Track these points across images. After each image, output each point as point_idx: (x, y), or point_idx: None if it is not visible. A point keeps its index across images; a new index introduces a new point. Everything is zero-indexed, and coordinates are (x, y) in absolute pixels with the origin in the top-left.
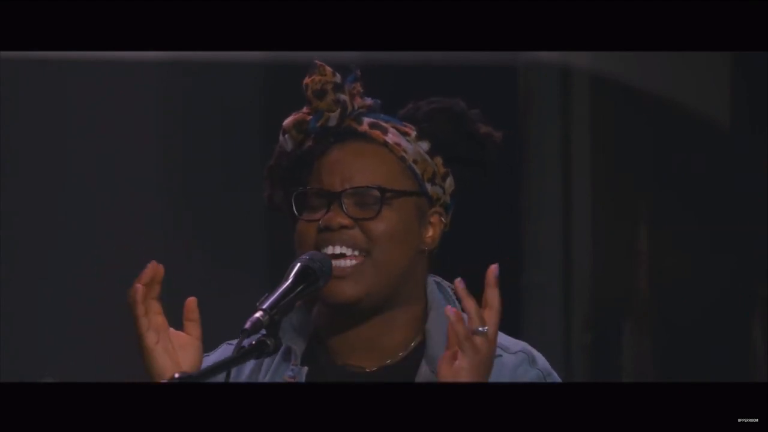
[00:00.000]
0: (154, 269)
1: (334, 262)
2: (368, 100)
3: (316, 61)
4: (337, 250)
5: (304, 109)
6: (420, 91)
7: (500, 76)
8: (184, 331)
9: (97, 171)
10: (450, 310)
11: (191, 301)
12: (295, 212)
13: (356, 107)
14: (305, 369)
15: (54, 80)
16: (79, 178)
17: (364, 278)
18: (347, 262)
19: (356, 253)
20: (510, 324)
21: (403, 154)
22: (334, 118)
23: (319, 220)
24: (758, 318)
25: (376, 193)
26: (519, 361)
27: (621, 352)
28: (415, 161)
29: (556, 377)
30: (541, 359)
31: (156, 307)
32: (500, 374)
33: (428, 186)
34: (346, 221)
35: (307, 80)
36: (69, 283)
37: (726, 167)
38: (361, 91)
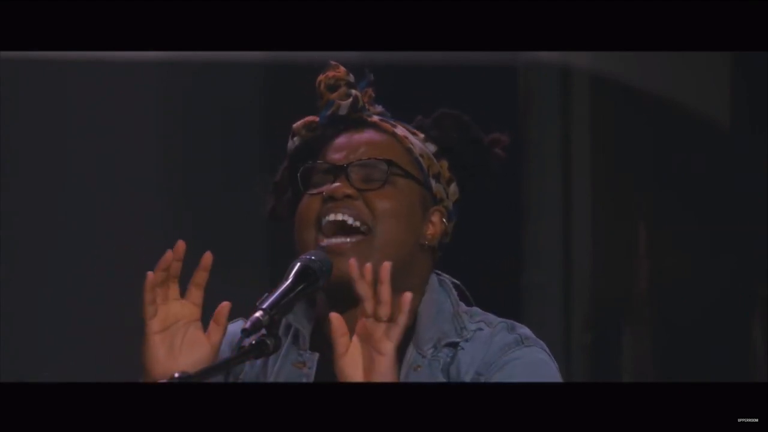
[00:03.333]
0: (168, 259)
1: (335, 240)
2: (378, 107)
3: (331, 62)
4: (339, 216)
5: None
6: (420, 91)
7: (500, 76)
8: (208, 332)
9: (97, 171)
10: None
11: (224, 306)
12: (301, 187)
13: (367, 108)
14: (317, 355)
15: (54, 80)
16: (79, 178)
17: (362, 257)
18: (347, 240)
19: (357, 223)
20: None
21: (410, 146)
22: (345, 107)
23: (322, 191)
24: (758, 318)
25: (384, 166)
26: (497, 330)
27: (621, 352)
28: (421, 155)
29: (539, 344)
30: (523, 329)
31: (170, 295)
32: (476, 345)
33: (433, 182)
34: (350, 191)
35: (320, 77)
36: (69, 283)
37: (726, 167)
38: (373, 96)
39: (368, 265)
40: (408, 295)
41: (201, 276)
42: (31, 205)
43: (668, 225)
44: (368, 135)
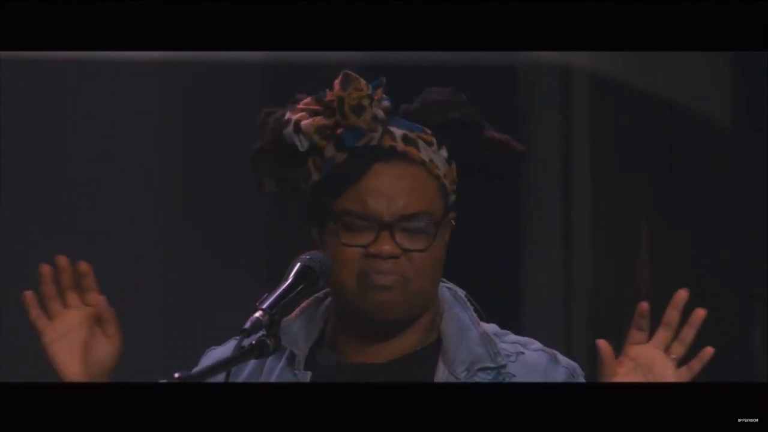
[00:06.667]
0: (47, 274)
1: (379, 296)
2: (385, 102)
3: (348, 72)
4: (387, 282)
5: (321, 116)
6: (420, 91)
7: (500, 76)
8: (102, 328)
9: (97, 171)
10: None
11: (103, 303)
12: (341, 239)
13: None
14: (309, 374)
15: (54, 80)
16: (80, 177)
17: (397, 292)
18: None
19: (401, 281)
20: (510, 324)
21: (438, 172)
22: (376, 138)
23: (363, 245)
24: (758, 318)
25: (432, 230)
26: (545, 360)
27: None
28: (445, 175)
29: (580, 372)
30: (565, 359)
31: (69, 303)
32: (527, 369)
33: (452, 197)
34: (396, 251)
35: (341, 93)
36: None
37: (726, 167)
38: (382, 96)
39: (681, 292)
40: (700, 313)
41: (88, 282)
42: (31, 205)
43: (668, 225)
44: (402, 173)
